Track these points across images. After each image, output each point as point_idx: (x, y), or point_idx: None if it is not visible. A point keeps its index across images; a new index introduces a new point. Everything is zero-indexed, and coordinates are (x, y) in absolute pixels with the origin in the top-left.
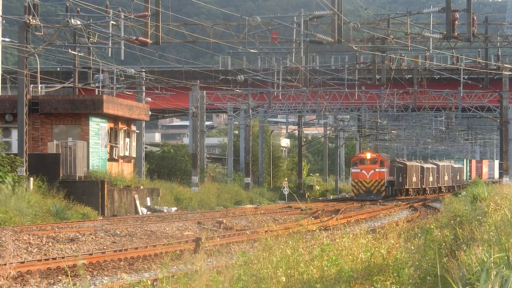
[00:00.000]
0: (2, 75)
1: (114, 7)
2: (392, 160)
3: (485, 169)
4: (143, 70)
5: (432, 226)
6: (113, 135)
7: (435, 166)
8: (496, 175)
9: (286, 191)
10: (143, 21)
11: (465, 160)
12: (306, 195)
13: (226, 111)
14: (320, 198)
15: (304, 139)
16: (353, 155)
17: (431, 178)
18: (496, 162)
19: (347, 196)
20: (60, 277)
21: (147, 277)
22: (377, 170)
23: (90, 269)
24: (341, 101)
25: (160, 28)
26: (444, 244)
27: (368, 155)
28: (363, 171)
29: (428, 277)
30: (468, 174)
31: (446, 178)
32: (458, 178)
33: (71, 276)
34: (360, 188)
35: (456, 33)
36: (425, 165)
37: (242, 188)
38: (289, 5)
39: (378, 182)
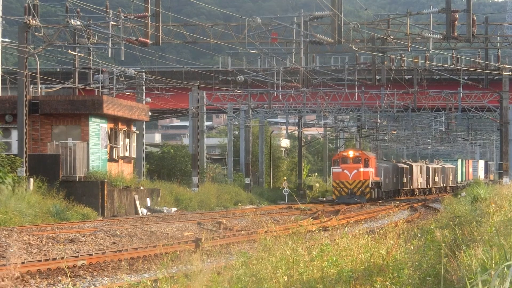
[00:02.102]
0: (2, 76)
1: (114, 8)
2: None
3: (469, 170)
4: (143, 70)
5: (432, 227)
6: (113, 135)
7: (408, 167)
8: (481, 175)
9: (286, 191)
10: (143, 22)
11: (459, 161)
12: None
13: (226, 112)
14: (320, 199)
15: (304, 140)
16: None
17: (404, 179)
18: (481, 163)
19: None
20: (60, 278)
21: (147, 278)
22: (360, 169)
23: (90, 269)
24: (341, 101)
25: (160, 29)
26: (444, 244)
27: (351, 153)
28: (345, 171)
29: (428, 278)
30: (464, 175)
31: (420, 180)
32: (437, 180)
33: (71, 277)
34: (342, 190)
35: (456, 34)
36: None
37: (242, 188)
38: (289, 5)
39: (361, 183)
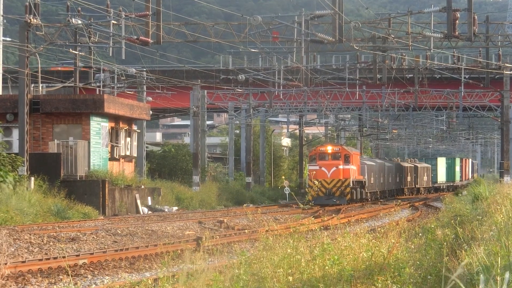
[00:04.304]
0: (3, 75)
1: (115, 7)
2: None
3: (465, 169)
4: (144, 69)
5: (433, 226)
6: (114, 134)
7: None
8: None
9: (287, 190)
10: (144, 21)
11: (438, 159)
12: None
13: (227, 111)
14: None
15: (305, 139)
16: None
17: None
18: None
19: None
20: (61, 277)
21: (148, 277)
22: (340, 167)
23: (91, 268)
24: (342, 100)
25: (161, 28)
26: (445, 243)
27: (329, 149)
28: (323, 169)
29: (429, 276)
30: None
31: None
32: (409, 180)
33: (72, 276)
34: (319, 190)
35: (457, 33)
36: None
37: (243, 187)
38: (290, 4)
39: (341, 182)
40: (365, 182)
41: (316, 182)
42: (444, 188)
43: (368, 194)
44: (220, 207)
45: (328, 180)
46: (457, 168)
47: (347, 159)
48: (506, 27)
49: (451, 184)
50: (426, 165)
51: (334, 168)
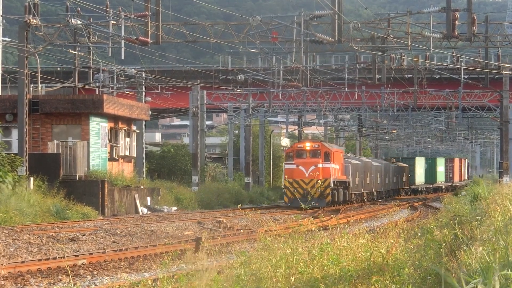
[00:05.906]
0: (2, 75)
1: (114, 7)
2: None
3: (460, 169)
4: (144, 69)
5: (431, 226)
6: (113, 134)
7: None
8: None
9: None
10: (143, 21)
11: (416, 159)
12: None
13: (226, 111)
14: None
15: None
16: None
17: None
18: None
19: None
20: (60, 277)
21: (148, 277)
22: (319, 165)
23: (90, 268)
24: (341, 100)
25: (160, 28)
26: (444, 243)
27: (308, 145)
28: (300, 167)
29: (428, 277)
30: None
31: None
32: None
33: (71, 276)
34: (296, 191)
35: (456, 33)
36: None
37: (242, 188)
38: (289, 4)
39: (320, 182)
40: (349, 182)
41: (293, 182)
42: (423, 190)
43: (353, 195)
44: (219, 208)
45: (306, 180)
46: (440, 169)
47: (327, 157)
48: (505, 27)
49: (431, 186)
50: (403, 165)
51: (312, 167)
